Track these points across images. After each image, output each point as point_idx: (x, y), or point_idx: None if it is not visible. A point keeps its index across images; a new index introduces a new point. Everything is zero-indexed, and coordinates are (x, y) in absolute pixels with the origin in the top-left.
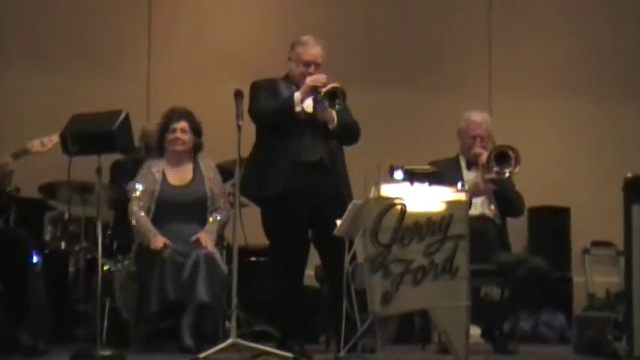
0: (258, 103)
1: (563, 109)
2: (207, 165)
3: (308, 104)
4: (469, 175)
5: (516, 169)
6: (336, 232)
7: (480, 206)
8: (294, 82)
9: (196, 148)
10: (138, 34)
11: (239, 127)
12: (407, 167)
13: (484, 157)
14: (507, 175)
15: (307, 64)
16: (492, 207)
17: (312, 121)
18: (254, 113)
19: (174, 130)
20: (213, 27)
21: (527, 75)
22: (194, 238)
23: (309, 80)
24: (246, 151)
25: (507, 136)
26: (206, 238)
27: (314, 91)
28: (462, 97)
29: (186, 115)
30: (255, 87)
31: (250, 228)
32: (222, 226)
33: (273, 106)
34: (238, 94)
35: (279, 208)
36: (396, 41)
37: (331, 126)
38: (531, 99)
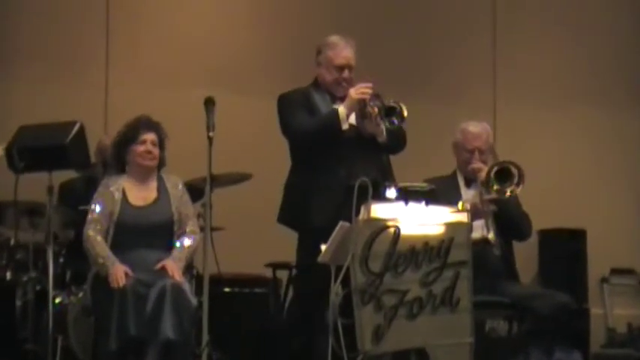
0: (295, 121)
1: (576, 121)
2: (174, 183)
3: (351, 117)
4: (468, 194)
5: (519, 189)
6: (320, 258)
7: (480, 229)
8: (326, 89)
9: (160, 164)
10: (94, 34)
11: (210, 140)
12: (400, 184)
13: (483, 174)
14: (508, 194)
15: (340, 68)
16: (491, 234)
17: (358, 136)
18: (292, 133)
19: (144, 142)
20: (180, 26)
21: (535, 84)
22: (159, 265)
23: (355, 93)
24: (218, 167)
25: (514, 150)
26: (173, 265)
27: (361, 103)
28: (464, 108)
29: (156, 126)
30: (286, 101)
31: (223, 255)
32: (192, 252)
33: (314, 125)
34: (209, 102)
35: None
36: (390, 44)
37: (381, 139)
38: (540, 109)
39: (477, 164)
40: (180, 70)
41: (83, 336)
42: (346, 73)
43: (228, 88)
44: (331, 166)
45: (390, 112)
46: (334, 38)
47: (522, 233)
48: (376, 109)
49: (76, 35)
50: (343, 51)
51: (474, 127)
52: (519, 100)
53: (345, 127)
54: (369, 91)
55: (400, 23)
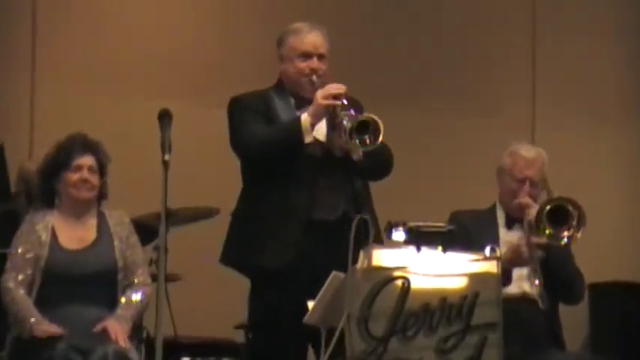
0: (247, 132)
1: (633, 143)
2: (119, 220)
3: (318, 128)
4: (508, 235)
5: (579, 234)
6: (306, 319)
7: (520, 280)
8: (290, 90)
9: (101, 195)
10: (17, 33)
11: (165, 165)
12: (411, 224)
13: (533, 212)
14: (565, 240)
15: (306, 55)
16: (537, 282)
17: (325, 154)
18: (242, 147)
19: (79, 168)
20: (122, 21)
21: (581, 98)
22: (99, 327)
23: (322, 96)
24: (174, 199)
25: (554, 178)
26: (116, 327)
27: (330, 111)
28: (500, 126)
29: (93, 147)
30: (238, 107)
31: (181, 312)
32: (141, 309)
33: (270, 136)
34: (164, 116)
35: (284, 287)
36: (424, 57)
37: (356, 157)
38: (589, 129)
39: (525, 199)
40: (126, 76)
41: None
42: (315, 63)
43: (185, 98)
44: (288, 192)
45: (361, 127)
46: (297, 24)
47: (575, 296)
48: (345, 123)
49: None
50: (308, 35)
51: (528, 152)
52: (562, 117)
53: (308, 140)
54: (342, 93)
55: (433, 36)
